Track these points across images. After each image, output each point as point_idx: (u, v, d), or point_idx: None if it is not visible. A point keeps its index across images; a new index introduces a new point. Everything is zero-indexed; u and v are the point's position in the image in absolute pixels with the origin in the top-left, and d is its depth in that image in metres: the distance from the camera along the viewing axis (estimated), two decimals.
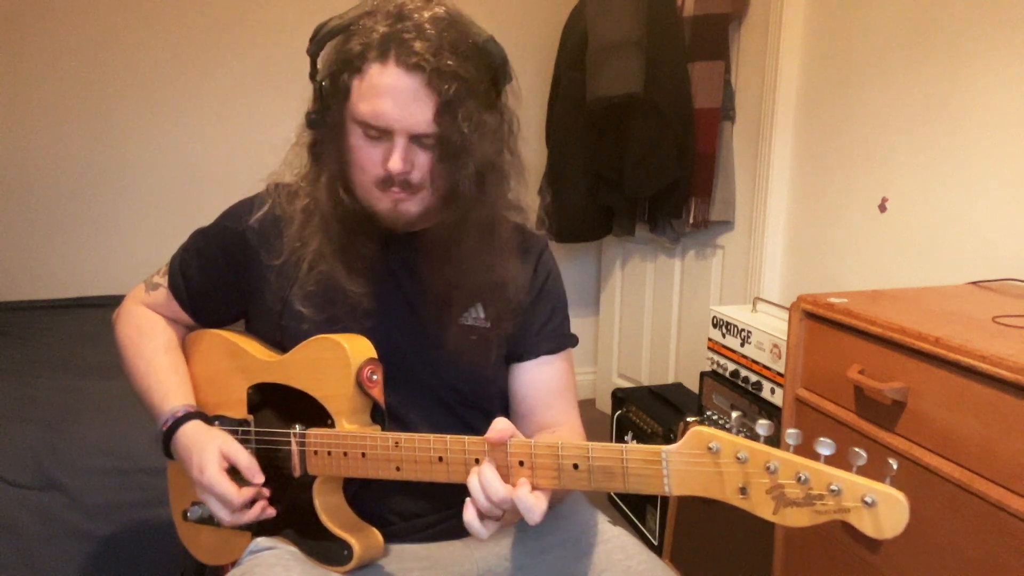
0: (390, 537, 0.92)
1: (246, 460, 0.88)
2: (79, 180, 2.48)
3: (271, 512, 0.89)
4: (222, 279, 1.00)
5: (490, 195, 0.91)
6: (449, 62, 0.83)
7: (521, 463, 0.75)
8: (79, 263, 2.51)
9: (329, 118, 0.88)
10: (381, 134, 0.85)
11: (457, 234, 0.92)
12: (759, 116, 2.10)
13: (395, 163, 0.84)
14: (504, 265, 0.95)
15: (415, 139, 0.85)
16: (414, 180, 0.87)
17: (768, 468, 0.64)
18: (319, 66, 0.90)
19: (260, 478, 0.88)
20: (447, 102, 0.84)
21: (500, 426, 0.75)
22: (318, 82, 0.88)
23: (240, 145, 2.55)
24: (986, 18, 1.48)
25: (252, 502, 0.88)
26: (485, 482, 0.74)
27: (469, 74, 0.85)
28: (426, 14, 0.84)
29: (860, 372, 1.13)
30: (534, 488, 0.74)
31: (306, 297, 0.92)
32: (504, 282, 0.95)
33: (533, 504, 0.72)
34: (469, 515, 0.74)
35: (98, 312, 2.12)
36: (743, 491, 0.65)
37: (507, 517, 0.75)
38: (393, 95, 0.83)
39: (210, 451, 0.87)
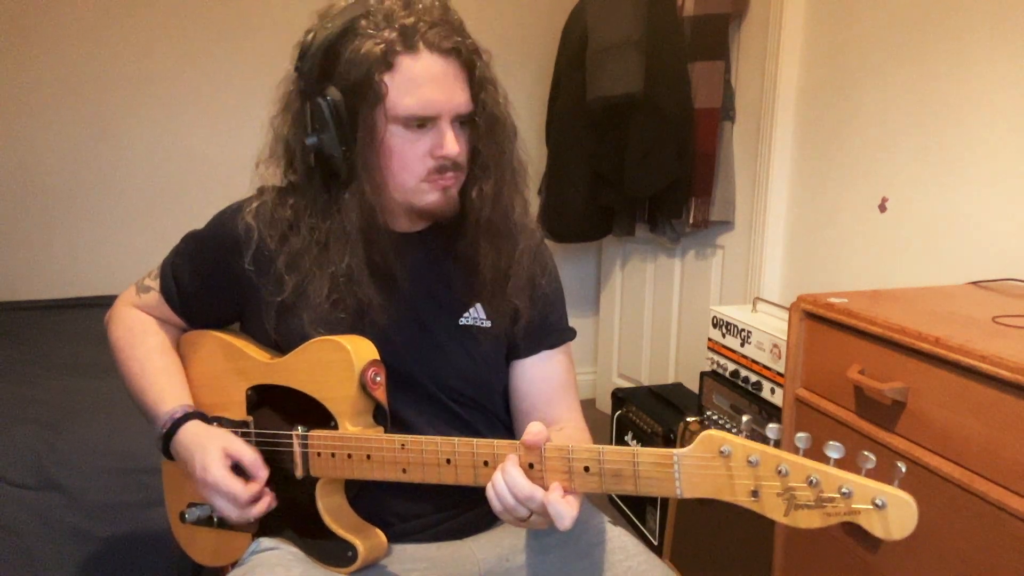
0: (391, 538, 0.92)
1: (250, 456, 0.88)
2: (79, 180, 2.47)
3: (274, 504, 0.89)
4: (214, 282, 0.99)
5: (523, 173, 0.94)
6: (469, 40, 0.87)
7: (532, 466, 0.75)
8: (79, 263, 2.50)
9: (357, 129, 0.84)
10: (425, 124, 0.85)
11: (461, 232, 0.93)
12: (759, 116, 2.10)
13: (452, 146, 0.85)
14: (504, 263, 0.94)
15: (455, 121, 0.87)
16: (462, 161, 0.88)
17: (779, 471, 0.64)
18: (309, 84, 0.86)
19: (265, 472, 0.88)
20: (480, 79, 0.87)
21: (535, 429, 0.75)
22: (326, 100, 0.84)
23: (239, 146, 2.52)
24: (986, 18, 1.48)
25: (258, 497, 0.87)
26: (511, 480, 0.73)
27: (483, 51, 0.89)
28: (427, 1, 0.85)
29: (860, 372, 1.13)
30: (566, 493, 0.73)
31: (323, 323, 0.88)
32: (504, 281, 0.95)
33: (564, 510, 0.71)
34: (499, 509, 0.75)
35: (98, 312, 2.10)
36: (754, 494, 0.66)
37: (534, 519, 0.75)
38: (435, 81, 0.84)
39: (213, 449, 0.87)
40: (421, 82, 0.83)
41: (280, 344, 0.94)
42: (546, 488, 0.73)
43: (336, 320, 0.89)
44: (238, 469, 0.88)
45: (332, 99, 0.84)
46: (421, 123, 0.85)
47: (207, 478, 0.86)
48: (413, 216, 0.93)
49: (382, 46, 0.82)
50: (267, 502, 0.88)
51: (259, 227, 0.93)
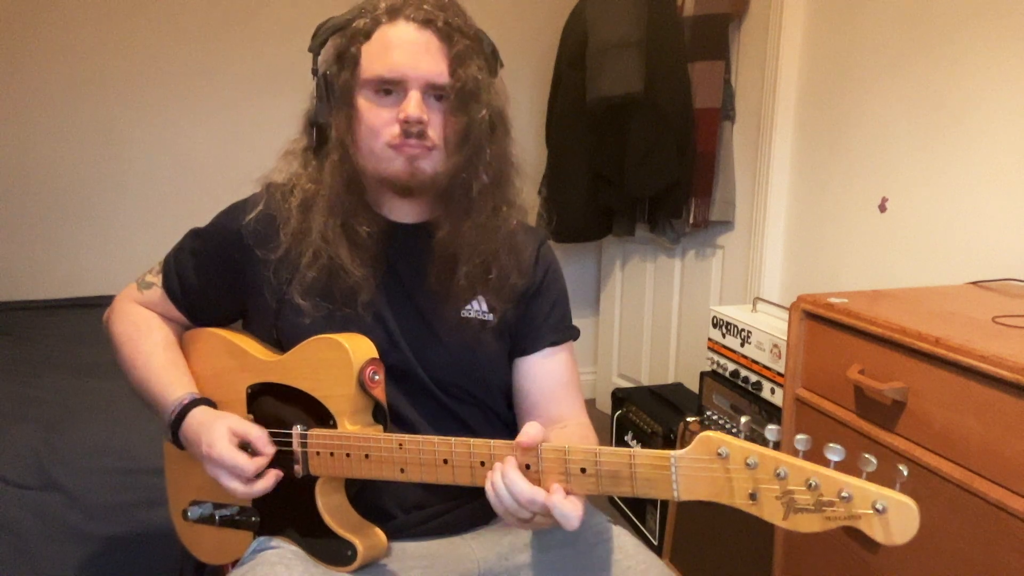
0: (392, 532, 0.92)
1: (256, 432, 0.88)
2: (79, 180, 2.48)
3: (279, 476, 0.89)
4: (218, 279, 0.99)
5: (501, 156, 0.93)
6: (457, 19, 0.88)
7: (528, 467, 0.75)
8: (79, 263, 2.51)
9: (335, 97, 0.89)
10: (394, 90, 0.87)
11: (460, 225, 0.93)
12: (759, 116, 2.10)
13: (411, 108, 0.85)
14: (506, 257, 0.95)
15: (429, 93, 0.87)
16: (429, 133, 0.88)
17: (778, 474, 0.63)
18: (315, 60, 0.92)
19: (272, 448, 0.88)
20: (459, 54, 0.87)
21: (532, 431, 0.74)
22: (321, 74, 0.90)
23: (239, 145, 2.55)
24: (986, 18, 1.48)
25: (263, 474, 0.87)
26: (511, 483, 0.73)
27: (475, 36, 0.90)
28: None
29: (860, 372, 1.13)
30: (568, 494, 0.73)
31: (306, 290, 0.91)
32: (506, 274, 0.95)
33: (570, 511, 0.71)
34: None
35: (98, 312, 2.11)
36: (753, 497, 0.65)
37: (538, 519, 0.74)
38: (405, 47, 0.86)
39: (218, 428, 0.87)
40: (391, 48, 0.86)
41: (279, 324, 0.94)
42: (546, 489, 0.73)
43: (314, 287, 0.91)
44: (245, 450, 0.88)
45: (325, 71, 0.90)
46: (388, 89, 0.87)
47: (212, 453, 0.86)
48: (390, 193, 0.93)
49: (367, 20, 0.88)
50: (274, 478, 0.88)
51: (267, 197, 0.96)
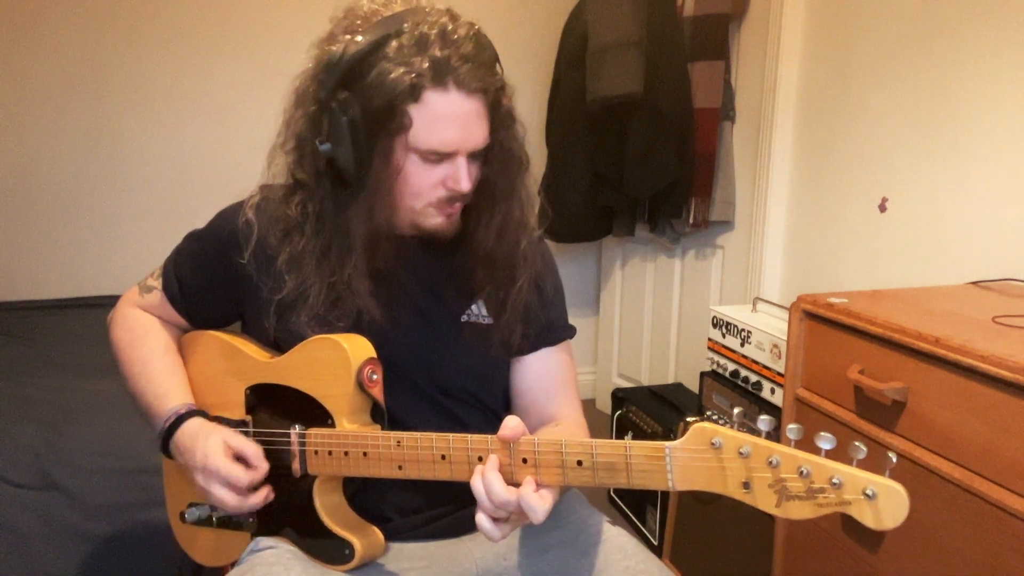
0: (389, 535, 0.92)
1: (252, 448, 0.88)
2: (78, 180, 2.48)
3: (271, 496, 0.89)
4: (216, 283, 0.99)
5: (519, 189, 0.95)
6: (498, 75, 0.87)
7: (525, 460, 0.75)
8: (79, 263, 2.51)
9: (374, 150, 0.84)
10: (441, 158, 0.86)
11: (466, 234, 0.94)
12: (759, 116, 2.10)
13: (465, 183, 0.87)
14: (507, 262, 0.95)
15: (471, 155, 0.88)
16: (471, 193, 0.90)
17: (770, 463, 0.64)
18: (330, 94, 0.84)
19: (266, 465, 0.88)
20: (501, 116, 0.89)
21: (512, 424, 0.75)
22: (346, 115, 0.82)
23: (238, 145, 2.55)
24: (986, 18, 1.48)
25: (257, 488, 0.88)
26: (488, 485, 0.73)
27: (505, 80, 0.90)
28: (462, 32, 0.84)
29: (860, 372, 1.13)
30: (539, 486, 0.73)
31: (316, 321, 0.90)
32: (506, 279, 0.95)
33: (536, 504, 0.72)
34: (480, 517, 0.74)
35: (98, 312, 2.11)
36: (746, 485, 0.66)
37: (514, 519, 0.75)
38: (458, 121, 0.84)
39: (214, 440, 0.87)
40: (445, 121, 0.84)
41: (280, 342, 0.95)
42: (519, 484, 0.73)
43: (334, 323, 0.90)
44: (240, 462, 0.88)
45: (352, 116, 0.83)
46: (436, 157, 0.86)
47: (208, 464, 0.86)
48: (415, 228, 0.94)
49: (412, 76, 0.81)
50: (264, 494, 0.88)
51: (260, 223, 0.93)
